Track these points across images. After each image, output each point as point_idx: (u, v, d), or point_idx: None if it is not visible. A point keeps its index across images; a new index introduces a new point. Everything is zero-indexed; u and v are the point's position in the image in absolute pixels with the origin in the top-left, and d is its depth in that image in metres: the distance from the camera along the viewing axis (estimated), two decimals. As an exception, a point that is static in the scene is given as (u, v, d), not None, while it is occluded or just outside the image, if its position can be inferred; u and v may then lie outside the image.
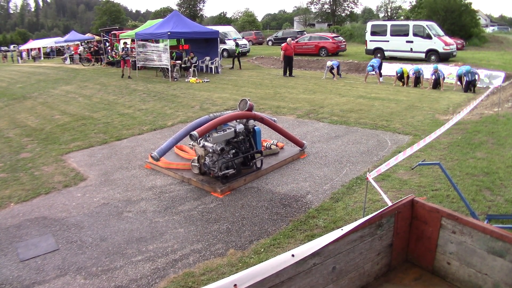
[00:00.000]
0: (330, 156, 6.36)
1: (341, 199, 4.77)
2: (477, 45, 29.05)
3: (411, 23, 20.87)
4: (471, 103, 6.65)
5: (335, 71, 16.21)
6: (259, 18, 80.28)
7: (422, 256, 2.46)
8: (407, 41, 20.22)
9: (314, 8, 53.28)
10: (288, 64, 17.09)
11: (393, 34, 20.82)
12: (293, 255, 1.67)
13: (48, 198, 5.17)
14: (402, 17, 49.86)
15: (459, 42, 25.66)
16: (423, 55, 19.68)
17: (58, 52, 35.07)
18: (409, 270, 2.48)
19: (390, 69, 16.86)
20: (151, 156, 5.46)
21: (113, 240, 4.03)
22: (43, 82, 17.40)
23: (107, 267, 3.59)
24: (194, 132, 4.98)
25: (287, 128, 7.45)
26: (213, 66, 18.48)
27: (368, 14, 76.94)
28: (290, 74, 17.07)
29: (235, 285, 1.46)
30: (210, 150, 5.14)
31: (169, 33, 15.73)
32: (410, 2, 54.74)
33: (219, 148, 5.07)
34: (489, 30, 45.88)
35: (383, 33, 21.16)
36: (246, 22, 53.66)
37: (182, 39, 19.16)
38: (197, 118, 6.47)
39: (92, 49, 26.21)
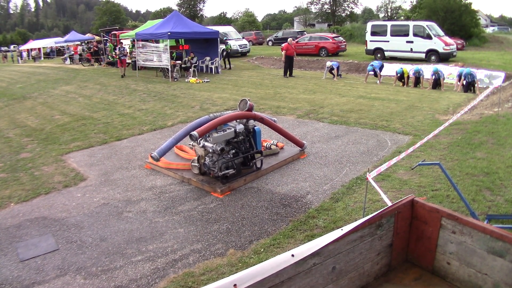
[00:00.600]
0: (330, 156, 6.36)
1: (341, 199, 4.77)
2: (477, 45, 29.04)
3: (411, 23, 20.87)
4: (471, 103, 6.65)
5: (335, 71, 16.20)
6: (259, 18, 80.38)
7: (422, 256, 2.45)
8: (407, 41, 20.22)
9: (314, 8, 53.37)
10: (289, 64, 17.09)
11: (393, 34, 20.82)
12: (293, 255, 1.67)
13: (48, 198, 5.17)
14: (402, 17, 49.81)
15: (459, 42, 25.65)
16: (423, 55, 19.68)
17: (58, 52, 35.07)
18: (409, 270, 2.48)
19: (390, 69, 16.85)
20: (151, 156, 5.46)
21: (113, 240, 4.04)
22: (43, 82, 17.41)
23: (107, 267, 3.59)
24: (194, 132, 4.98)
25: (287, 128, 7.45)
26: (213, 66, 18.48)
27: (368, 14, 76.93)
28: (290, 74, 17.04)
29: (235, 285, 1.46)
30: (210, 150, 5.14)
31: (169, 33, 15.74)
32: (411, 2, 54.84)
33: (219, 148, 5.07)
34: (489, 30, 45.84)
35: (383, 33, 21.16)
36: (246, 22, 53.69)
37: (182, 39, 19.16)
38: (197, 118, 6.47)
39: (92, 49, 26.20)
